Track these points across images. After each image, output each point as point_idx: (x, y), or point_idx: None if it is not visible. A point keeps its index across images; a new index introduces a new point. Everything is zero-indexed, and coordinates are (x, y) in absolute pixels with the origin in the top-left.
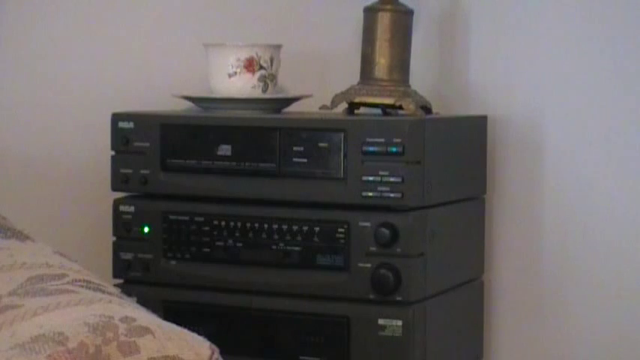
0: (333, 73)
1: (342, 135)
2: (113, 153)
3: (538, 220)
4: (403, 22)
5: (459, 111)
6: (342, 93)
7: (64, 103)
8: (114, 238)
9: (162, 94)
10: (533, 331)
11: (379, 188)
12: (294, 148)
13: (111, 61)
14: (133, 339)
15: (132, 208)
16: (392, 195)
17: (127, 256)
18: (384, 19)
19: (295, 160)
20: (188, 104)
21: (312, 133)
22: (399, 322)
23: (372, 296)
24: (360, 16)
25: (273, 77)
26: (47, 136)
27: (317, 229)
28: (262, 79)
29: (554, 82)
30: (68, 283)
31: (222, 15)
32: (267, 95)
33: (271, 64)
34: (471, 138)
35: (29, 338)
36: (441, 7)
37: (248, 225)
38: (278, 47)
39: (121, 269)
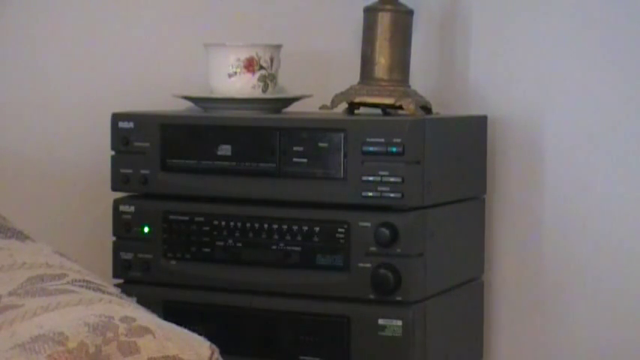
0: (333, 73)
1: (342, 135)
2: (113, 153)
3: (538, 220)
4: (403, 22)
5: (459, 111)
6: (342, 93)
7: (64, 103)
8: (114, 238)
9: (162, 94)
10: (533, 331)
11: (379, 188)
12: (294, 148)
13: (111, 61)
14: (133, 339)
15: (132, 208)
16: (392, 195)
17: (127, 256)
18: (384, 19)
19: (295, 160)
20: (188, 104)
21: (312, 133)
22: (399, 322)
23: (372, 296)
24: (360, 16)
25: (273, 77)
26: (47, 136)
27: (317, 229)
28: (262, 79)
29: (554, 82)
30: (68, 283)
31: (222, 15)
32: (267, 95)
33: (271, 64)
34: (471, 138)
35: (29, 338)
36: (441, 7)
37: (248, 225)
38: (278, 47)
39: (121, 269)
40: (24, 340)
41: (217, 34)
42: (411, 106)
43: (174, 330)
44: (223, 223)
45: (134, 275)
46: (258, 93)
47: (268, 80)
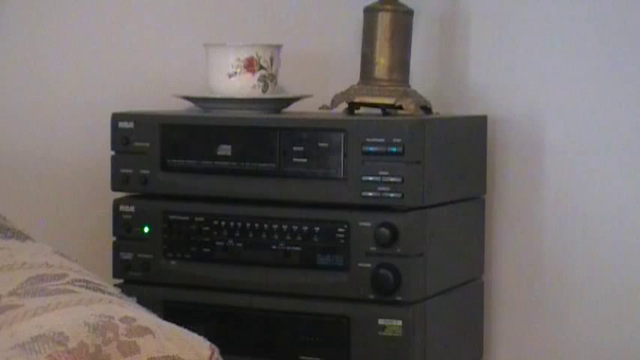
0: (333, 73)
1: (342, 135)
2: (113, 153)
3: (538, 220)
4: (403, 22)
5: (459, 111)
6: (342, 93)
7: (64, 103)
8: (114, 238)
9: (162, 94)
10: (533, 331)
11: (379, 188)
12: (294, 148)
13: (111, 61)
14: (133, 339)
15: (132, 208)
16: (392, 195)
17: (127, 256)
18: (384, 19)
19: (295, 160)
20: (188, 104)
21: (312, 133)
22: (399, 322)
23: (372, 296)
24: (360, 16)
25: (273, 77)
26: (47, 136)
27: (317, 229)
28: (262, 79)
29: (554, 82)
30: (68, 283)
31: (222, 15)
32: (267, 95)
33: (271, 64)
34: (471, 138)
35: (29, 338)
36: (441, 7)
37: (248, 225)
38: (278, 47)
39: (121, 269)
40: (24, 340)
41: (217, 34)
42: (411, 106)
43: (174, 330)
44: (223, 223)
45: (134, 275)
46: (258, 93)
47: (268, 80)
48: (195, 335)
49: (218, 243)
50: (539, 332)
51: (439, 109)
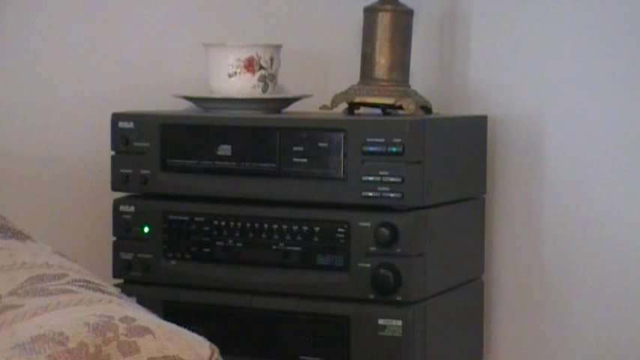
0: (333, 73)
1: (342, 135)
2: (113, 153)
3: (538, 220)
4: (403, 22)
5: (459, 111)
6: (342, 93)
7: (64, 103)
8: (114, 238)
9: (162, 94)
10: (534, 331)
11: (379, 188)
12: (294, 148)
13: (111, 61)
14: (133, 339)
15: (132, 208)
16: (392, 195)
17: (127, 256)
18: (384, 19)
19: (295, 160)
20: (188, 104)
21: (312, 133)
22: (399, 322)
23: (372, 296)
24: (360, 16)
25: (273, 77)
26: (47, 136)
27: (317, 229)
28: (262, 79)
29: (554, 82)
30: (68, 283)
31: (222, 15)
32: (267, 95)
33: (271, 64)
34: (471, 138)
35: (29, 338)
36: (441, 7)
37: (248, 225)
38: (278, 47)
39: (121, 269)
40: (24, 340)
41: (217, 34)
42: (411, 106)
43: (174, 330)
44: (223, 223)
45: (134, 275)
46: (258, 93)
47: (268, 80)
48: (195, 335)
49: (218, 243)
50: (539, 332)
51: (439, 109)
